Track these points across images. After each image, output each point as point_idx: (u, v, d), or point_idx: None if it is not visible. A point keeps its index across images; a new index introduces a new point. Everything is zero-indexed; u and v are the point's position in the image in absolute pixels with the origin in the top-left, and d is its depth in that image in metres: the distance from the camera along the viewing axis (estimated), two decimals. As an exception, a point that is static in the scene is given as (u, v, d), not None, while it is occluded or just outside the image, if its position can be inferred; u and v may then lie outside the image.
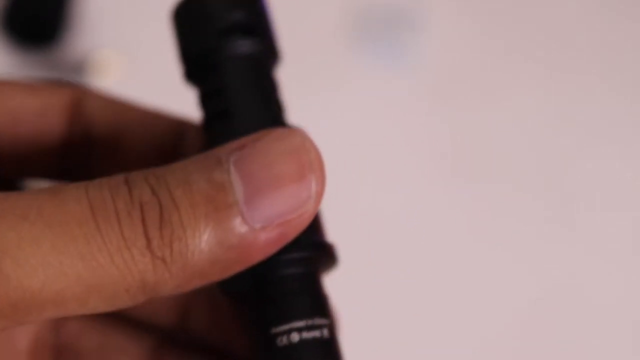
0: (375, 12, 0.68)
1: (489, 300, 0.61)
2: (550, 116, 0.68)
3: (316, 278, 0.18)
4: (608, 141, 0.67)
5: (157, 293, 0.16)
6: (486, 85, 0.68)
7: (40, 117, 0.20)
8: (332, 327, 0.18)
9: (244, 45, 0.19)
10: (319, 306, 0.18)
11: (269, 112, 0.19)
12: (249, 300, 0.18)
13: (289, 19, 0.67)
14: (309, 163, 0.16)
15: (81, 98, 0.21)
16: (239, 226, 0.16)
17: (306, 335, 0.17)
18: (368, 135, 0.65)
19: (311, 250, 0.18)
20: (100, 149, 0.21)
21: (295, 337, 0.17)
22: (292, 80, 0.63)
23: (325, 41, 0.67)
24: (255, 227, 0.16)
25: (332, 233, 0.54)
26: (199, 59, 0.19)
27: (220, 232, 0.16)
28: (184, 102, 0.59)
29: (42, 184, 0.22)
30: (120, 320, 0.22)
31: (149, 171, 0.16)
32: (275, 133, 0.17)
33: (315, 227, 0.19)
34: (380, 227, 0.61)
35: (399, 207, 0.63)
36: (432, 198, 0.63)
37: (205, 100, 0.19)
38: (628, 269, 0.64)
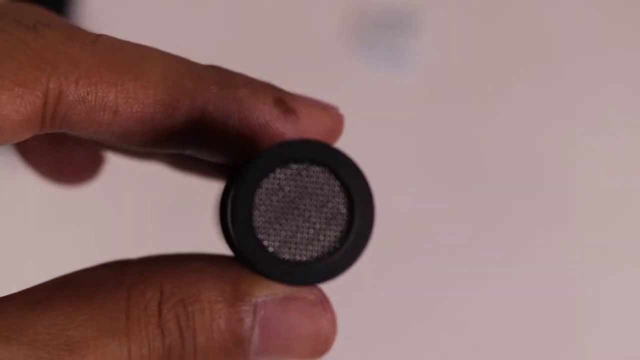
0: (372, 14, 0.68)
1: (486, 301, 0.61)
2: (547, 116, 0.67)
3: None
4: (606, 141, 0.67)
5: None
6: (482, 87, 0.68)
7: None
8: None
9: None
10: None
11: None
12: None
13: (288, 21, 0.67)
14: (324, 349, 0.19)
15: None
16: None
17: None
18: (365, 137, 0.65)
19: None
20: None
21: None
22: (289, 81, 0.63)
23: (323, 43, 0.68)
24: None
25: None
26: None
27: None
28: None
29: None
30: None
31: (181, 311, 0.17)
32: (304, 306, 0.18)
33: None
34: (377, 228, 0.60)
35: (395, 208, 0.63)
36: (429, 198, 0.63)
37: None
38: (625, 269, 0.64)
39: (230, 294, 0.18)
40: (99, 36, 0.18)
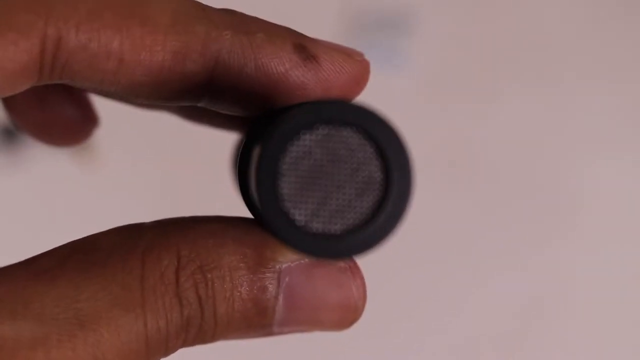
0: (369, 15, 0.68)
1: (482, 301, 0.62)
2: (542, 117, 0.68)
3: None
4: (602, 142, 0.67)
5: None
6: (478, 87, 0.68)
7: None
8: None
9: None
10: None
11: None
12: None
13: (284, 23, 0.66)
14: (353, 319, 0.17)
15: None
16: (264, 333, 0.17)
17: None
18: None
19: None
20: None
21: None
22: None
23: None
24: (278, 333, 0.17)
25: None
26: None
27: (244, 334, 0.17)
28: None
29: None
30: None
31: (200, 279, 0.16)
32: (332, 272, 0.17)
33: None
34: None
35: None
36: (425, 198, 0.64)
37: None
38: (621, 270, 0.64)
39: (252, 260, 0.16)
40: None
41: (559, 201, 0.65)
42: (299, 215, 0.16)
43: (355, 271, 0.17)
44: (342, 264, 0.17)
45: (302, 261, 0.17)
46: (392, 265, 0.59)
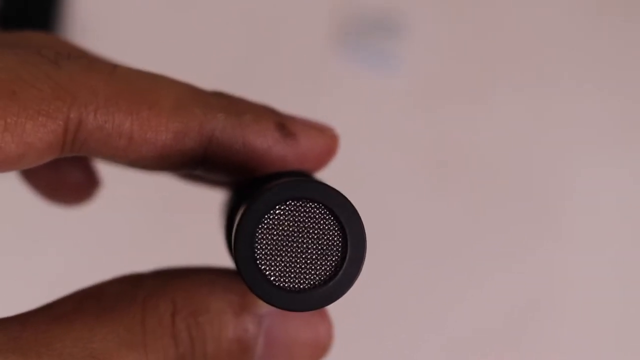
0: (360, 17, 0.68)
1: (475, 302, 0.62)
2: (534, 119, 0.68)
3: None
4: (593, 143, 0.67)
5: None
6: (470, 89, 0.68)
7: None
8: None
9: None
10: None
11: None
12: None
13: (275, 24, 0.67)
14: (322, 354, 0.21)
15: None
16: None
17: None
18: (352, 140, 0.65)
19: None
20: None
21: None
22: (277, 85, 0.64)
23: (310, 47, 0.67)
24: None
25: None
26: None
27: None
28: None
29: None
30: None
31: (192, 322, 0.19)
32: (304, 315, 0.20)
33: None
34: (367, 229, 0.60)
35: (383, 209, 0.63)
36: (417, 200, 0.63)
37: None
38: (613, 270, 0.64)
39: (237, 306, 0.19)
40: (115, 67, 0.19)
41: (550, 202, 0.65)
42: (271, 275, 0.18)
43: (324, 314, 0.21)
44: None
45: None
46: (384, 267, 0.59)
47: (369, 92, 0.67)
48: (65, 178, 0.26)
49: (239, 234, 0.18)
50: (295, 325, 0.20)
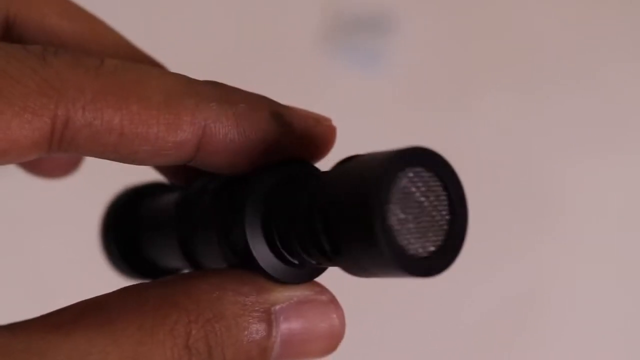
0: (349, 17, 0.68)
1: (473, 298, 0.63)
2: (524, 118, 0.68)
3: None
4: (579, 144, 0.68)
5: None
6: (459, 88, 0.68)
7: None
8: None
9: None
10: None
11: None
12: None
13: (266, 24, 0.67)
14: (337, 344, 0.20)
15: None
16: None
17: None
18: (343, 138, 0.65)
19: None
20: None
21: None
22: (267, 84, 0.64)
23: (300, 46, 0.68)
24: None
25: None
26: None
27: None
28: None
29: None
30: None
31: (210, 330, 0.18)
32: (319, 306, 0.20)
33: None
34: None
35: None
36: None
37: None
38: (604, 268, 0.65)
39: (251, 307, 0.19)
40: (103, 61, 0.19)
41: (538, 201, 0.66)
42: (406, 243, 0.18)
43: (337, 304, 0.20)
44: (325, 298, 0.20)
45: (292, 300, 0.19)
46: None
47: (357, 90, 0.67)
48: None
49: (372, 203, 0.17)
50: (311, 317, 0.20)
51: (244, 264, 0.20)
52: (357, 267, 0.19)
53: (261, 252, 0.20)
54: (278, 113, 0.20)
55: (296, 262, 0.20)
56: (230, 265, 0.21)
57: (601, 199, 0.67)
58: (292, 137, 0.20)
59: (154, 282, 0.19)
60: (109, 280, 0.25)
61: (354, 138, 0.64)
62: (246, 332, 0.19)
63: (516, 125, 0.68)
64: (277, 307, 0.19)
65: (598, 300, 0.65)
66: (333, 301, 0.20)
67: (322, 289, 0.20)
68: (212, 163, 0.20)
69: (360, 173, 0.18)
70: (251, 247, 0.19)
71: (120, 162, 0.20)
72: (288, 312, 0.19)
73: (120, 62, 0.19)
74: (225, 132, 0.19)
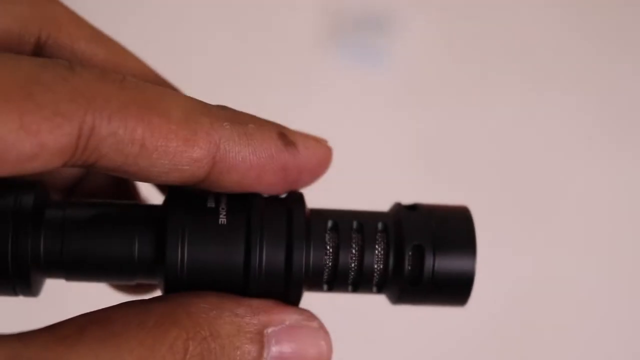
0: (350, 15, 0.68)
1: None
2: (520, 115, 0.69)
3: None
4: (583, 142, 0.69)
5: None
6: (460, 86, 0.68)
7: None
8: None
9: None
10: None
11: None
12: None
13: (269, 23, 0.67)
14: None
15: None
16: None
17: None
18: (342, 134, 0.66)
19: None
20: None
21: None
22: (270, 82, 0.64)
23: (303, 44, 0.68)
24: None
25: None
26: None
27: None
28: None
29: None
30: None
31: (205, 347, 0.19)
32: (309, 332, 0.21)
33: None
34: None
35: (373, 204, 0.64)
36: (406, 194, 0.64)
37: None
38: (598, 264, 0.66)
39: (246, 328, 0.20)
40: (125, 77, 0.20)
41: (538, 200, 0.66)
42: None
43: (325, 330, 0.21)
44: (315, 324, 0.21)
45: (285, 324, 0.21)
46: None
47: (359, 88, 0.67)
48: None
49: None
50: (301, 342, 0.21)
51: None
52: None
53: None
54: (283, 134, 0.22)
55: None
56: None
57: (601, 199, 0.68)
58: (296, 156, 0.22)
59: (155, 298, 0.20)
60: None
61: (356, 135, 0.66)
62: (239, 352, 0.20)
63: (517, 122, 0.68)
64: (270, 329, 0.20)
65: (598, 300, 0.66)
66: (322, 328, 0.21)
67: (312, 315, 0.21)
68: (223, 182, 0.21)
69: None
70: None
71: (135, 178, 0.21)
72: (280, 335, 0.20)
73: (139, 81, 0.20)
74: (238, 150, 0.21)
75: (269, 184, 0.22)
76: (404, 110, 0.68)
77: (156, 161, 0.20)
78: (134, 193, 0.27)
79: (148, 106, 0.19)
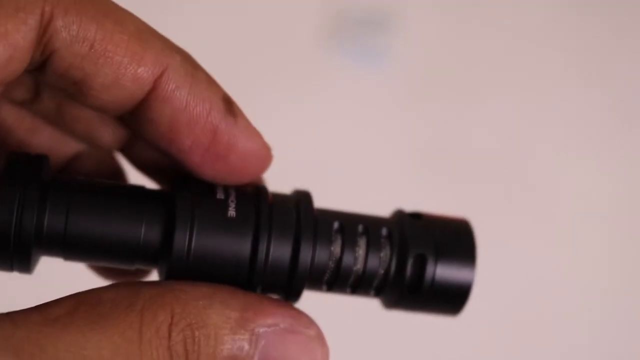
0: (351, 15, 0.68)
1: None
2: (521, 116, 0.69)
3: None
4: (583, 141, 0.69)
5: None
6: (460, 85, 0.68)
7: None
8: None
9: None
10: None
11: None
12: None
13: (269, 22, 0.67)
14: None
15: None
16: None
17: None
18: (344, 134, 0.66)
19: None
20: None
21: None
22: (270, 80, 0.64)
23: (303, 43, 0.67)
24: None
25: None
26: None
27: None
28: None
29: None
30: None
31: (189, 334, 0.19)
32: (304, 340, 0.20)
33: None
34: None
35: (373, 203, 0.64)
36: (408, 193, 0.64)
37: None
38: (598, 264, 0.66)
39: (235, 322, 0.19)
40: None
41: (537, 195, 0.66)
42: None
43: (323, 341, 0.20)
44: (313, 332, 0.20)
45: (278, 327, 0.19)
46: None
47: (359, 87, 0.67)
48: None
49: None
50: (292, 350, 0.20)
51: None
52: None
53: None
54: (230, 101, 0.21)
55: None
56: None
57: (601, 199, 0.68)
58: (231, 127, 0.21)
59: (147, 282, 0.20)
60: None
61: (355, 134, 0.65)
62: (224, 346, 0.19)
63: (516, 122, 0.68)
64: (262, 329, 0.19)
65: (598, 299, 0.65)
66: (319, 337, 0.20)
67: (310, 322, 0.20)
68: (153, 115, 0.20)
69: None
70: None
71: (79, 94, 0.20)
72: (271, 337, 0.19)
73: None
74: (180, 85, 0.20)
75: (194, 140, 0.20)
76: (404, 109, 0.68)
77: (100, 69, 0.19)
78: (123, 181, 0.26)
79: (105, 11, 0.19)
